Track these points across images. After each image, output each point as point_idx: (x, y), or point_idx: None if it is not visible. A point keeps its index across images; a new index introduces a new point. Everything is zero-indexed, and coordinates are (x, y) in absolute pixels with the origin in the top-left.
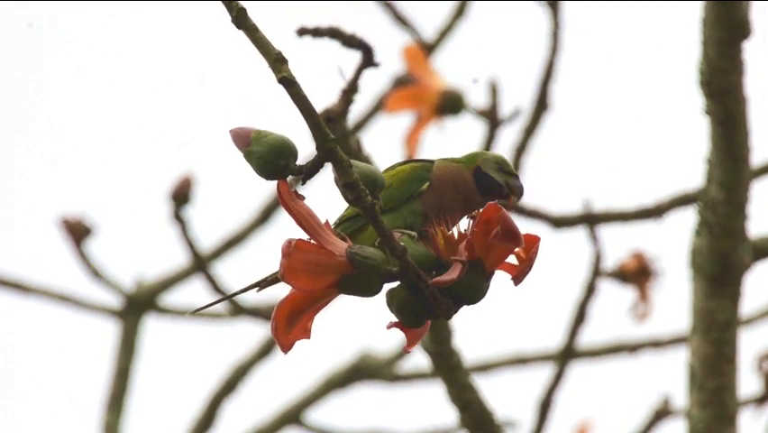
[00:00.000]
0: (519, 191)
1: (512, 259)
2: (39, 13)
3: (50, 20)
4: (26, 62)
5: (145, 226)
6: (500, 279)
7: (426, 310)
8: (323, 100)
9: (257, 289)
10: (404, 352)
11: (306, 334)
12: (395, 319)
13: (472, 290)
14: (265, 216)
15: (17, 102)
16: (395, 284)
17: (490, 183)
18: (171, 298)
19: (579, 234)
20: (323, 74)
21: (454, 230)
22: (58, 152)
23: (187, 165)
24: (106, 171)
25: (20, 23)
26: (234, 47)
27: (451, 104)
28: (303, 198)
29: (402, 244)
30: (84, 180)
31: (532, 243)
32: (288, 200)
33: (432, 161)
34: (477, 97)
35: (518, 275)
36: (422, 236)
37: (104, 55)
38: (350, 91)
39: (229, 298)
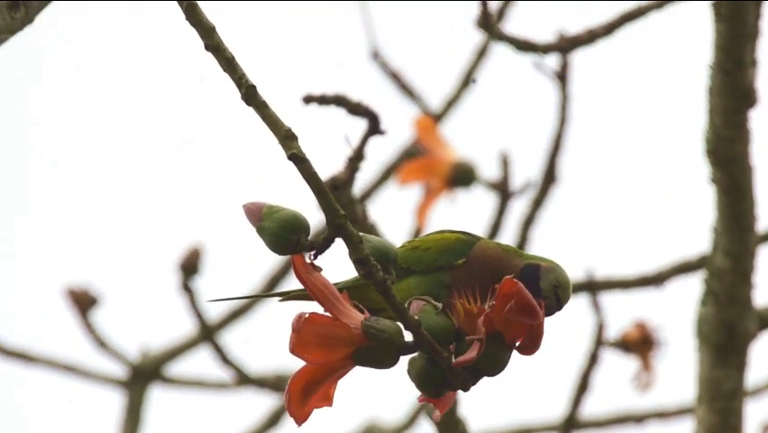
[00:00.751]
0: (551, 311)
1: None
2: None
3: (49, 20)
4: (25, 63)
5: (150, 296)
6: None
7: (444, 381)
8: (329, 168)
9: (280, 299)
10: (434, 420)
11: (328, 401)
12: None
13: (491, 363)
14: (272, 285)
15: (17, 111)
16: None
17: (534, 286)
18: (177, 368)
19: (581, 302)
20: (329, 142)
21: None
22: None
23: (196, 234)
24: (112, 238)
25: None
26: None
27: (462, 176)
28: (320, 269)
29: (417, 316)
30: (89, 248)
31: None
32: (303, 273)
33: (478, 238)
34: (488, 170)
35: (525, 347)
36: (445, 307)
37: (103, 55)
38: (356, 159)
39: (254, 297)
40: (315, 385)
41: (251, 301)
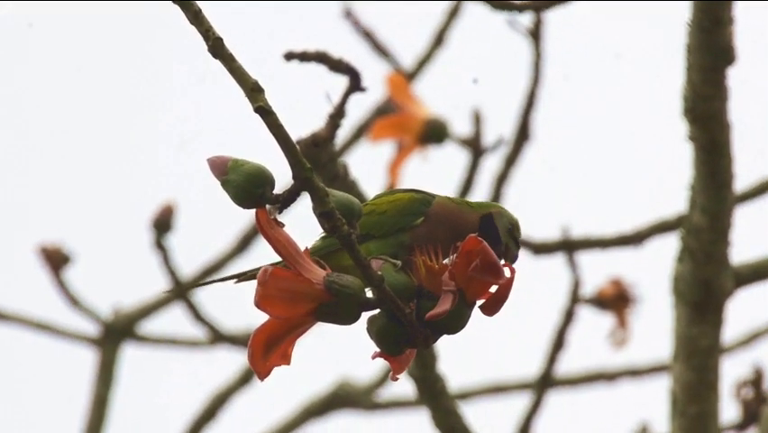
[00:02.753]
0: (512, 259)
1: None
2: (39, 14)
3: (50, 20)
4: (26, 62)
5: (123, 254)
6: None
7: (405, 339)
8: (309, 125)
9: (236, 280)
10: (391, 380)
11: (286, 360)
12: (377, 348)
13: (453, 320)
14: (244, 243)
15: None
16: (376, 311)
17: (494, 236)
18: (150, 326)
19: (558, 260)
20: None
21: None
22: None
23: (169, 192)
24: (85, 196)
25: (20, 23)
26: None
27: (434, 133)
28: (282, 225)
29: (379, 273)
30: (62, 206)
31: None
32: (266, 228)
33: (433, 196)
34: (460, 126)
35: (490, 307)
36: (405, 265)
37: (103, 56)
38: (337, 116)
39: (210, 283)
40: (277, 341)
41: (224, 258)
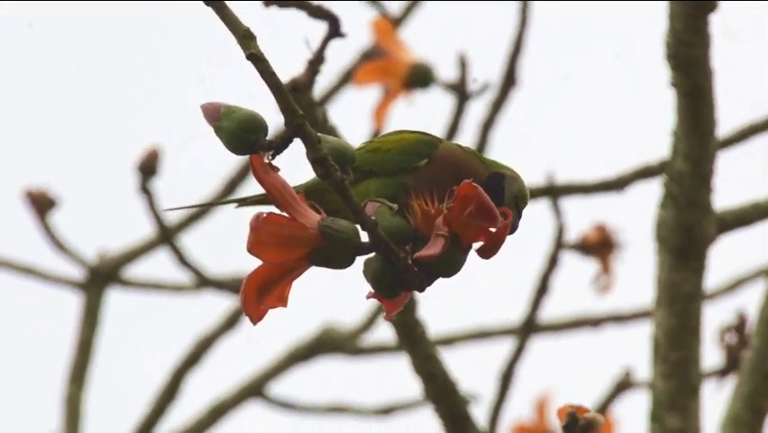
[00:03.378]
0: (513, 227)
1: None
2: (39, 14)
3: (50, 20)
4: (26, 62)
5: (108, 198)
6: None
7: (400, 281)
8: (289, 71)
9: (236, 205)
10: (384, 320)
11: (282, 302)
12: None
13: (448, 264)
14: (230, 188)
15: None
16: (372, 255)
17: (499, 196)
18: (135, 270)
19: (542, 206)
20: (289, 45)
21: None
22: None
23: (154, 137)
24: (70, 140)
25: (20, 23)
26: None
27: (420, 77)
28: (277, 169)
29: (373, 217)
30: (47, 150)
31: (505, 220)
32: (261, 172)
33: (440, 140)
34: (446, 71)
35: (485, 251)
36: (402, 208)
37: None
38: (316, 62)
39: (211, 204)
40: (271, 285)
41: (211, 203)
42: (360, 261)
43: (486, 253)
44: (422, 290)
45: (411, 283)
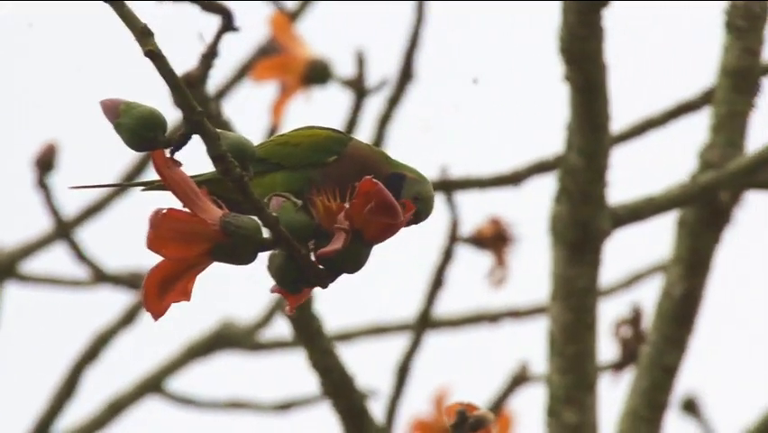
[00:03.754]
0: (412, 222)
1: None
2: (39, 14)
3: (50, 20)
4: (26, 62)
5: (4, 192)
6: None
7: (303, 278)
8: (183, 65)
9: (142, 188)
10: (287, 313)
11: (186, 296)
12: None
13: (351, 260)
14: (127, 181)
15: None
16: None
17: (396, 195)
18: (32, 265)
19: (436, 200)
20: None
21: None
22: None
23: (51, 131)
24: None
25: (20, 22)
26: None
27: (317, 73)
28: (180, 164)
29: (275, 213)
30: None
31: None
32: (163, 168)
33: (350, 138)
34: (344, 67)
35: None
36: (306, 204)
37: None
38: (209, 56)
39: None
40: (172, 281)
41: (107, 198)
42: (262, 256)
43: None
44: (325, 286)
45: (314, 279)
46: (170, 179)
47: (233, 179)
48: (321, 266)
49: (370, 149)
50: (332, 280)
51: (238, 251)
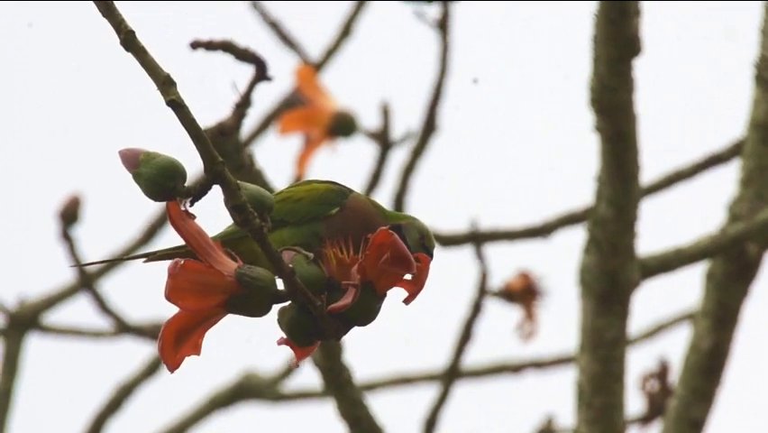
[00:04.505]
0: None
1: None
2: (39, 14)
3: (50, 20)
4: (26, 62)
5: (28, 244)
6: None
7: (316, 330)
8: (215, 114)
9: (144, 260)
10: (293, 367)
11: (196, 350)
12: (284, 336)
13: (363, 313)
14: (150, 234)
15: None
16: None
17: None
18: (55, 316)
19: (466, 253)
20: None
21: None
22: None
23: (76, 183)
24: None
25: (20, 22)
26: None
27: (343, 126)
28: (194, 217)
29: (291, 266)
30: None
31: (423, 264)
32: (177, 220)
33: (350, 190)
34: (368, 119)
35: (409, 296)
36: (317, 257)
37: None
38: (243, 105)
39: (117, 260)
40: (188, 332)
41: (131, 249)
42: (275, 309)
43: (409, 298)
44: (338, 338)
45: (327, 332)
46: (185, 231)
47: (252, 230)
48: (333, 318)
49: (368, 200)
50: (344, 333)
51: (253, 302)
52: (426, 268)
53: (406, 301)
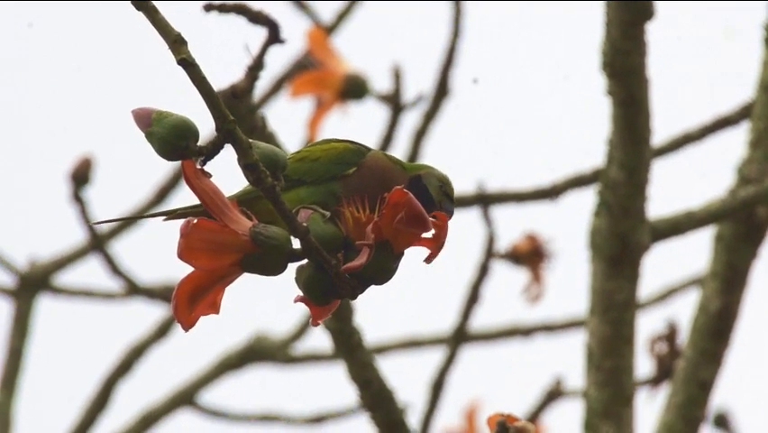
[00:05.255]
0: (449, 215)
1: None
2: (39, 14)
3: (50, 20)
4: (26, 62)
5: (39, 205)
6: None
7: (332, 289)
8: (229, 76)
9: (164, 218)
10: (311, 325)
11: (215, 309)
12: (301, 294)
13: (379, 272)
14: (161, 195)
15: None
16: (303, 261)
17: (425, 196)
18: (66, 277)
19: (473, 214)
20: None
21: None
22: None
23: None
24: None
25: (20, 22)
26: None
27: (354, 89)
28: (209, 175)
29: (305, 224)
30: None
31: (441, 222)
32: (192, 178)
33: (368, 149)
34: (380, 82)
35: (429, 255)
36: (334, 215)
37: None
38: (256, 68)
39: (137, 218)
40: (203, 292)
41: (142, 210)
42: (292, 268)
43: (429, 257)
44: (354, 297)
45: (343, 291)
46: (200, 190)
47: (264, 189)
48: (350, 277)
49: (387, 157)
50: (361, 292)
51: (268, 261)
52: (445, 226)
53: (427, 260)
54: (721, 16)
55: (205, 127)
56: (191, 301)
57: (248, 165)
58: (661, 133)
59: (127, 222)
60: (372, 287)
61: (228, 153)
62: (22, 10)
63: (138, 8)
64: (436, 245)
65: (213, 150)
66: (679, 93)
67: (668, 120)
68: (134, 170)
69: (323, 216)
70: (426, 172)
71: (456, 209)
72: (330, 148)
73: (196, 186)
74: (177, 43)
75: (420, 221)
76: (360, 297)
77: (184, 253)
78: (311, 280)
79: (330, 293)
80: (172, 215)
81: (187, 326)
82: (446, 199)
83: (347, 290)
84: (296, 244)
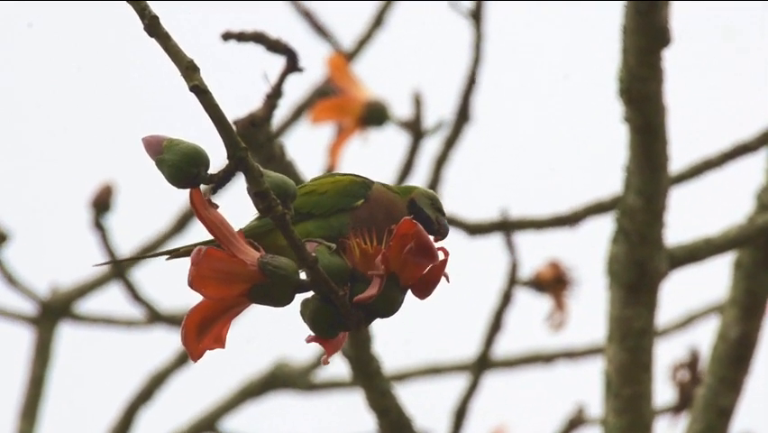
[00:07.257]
0: (445, 230)
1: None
2: (39, 14)
3: (50, 20)
4: (26, 62)
5: (61, 233)
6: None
7: (338, 321)
8: (247, 105)
9: (167, 257)
10: (323, 363)
11: (220, 343)
12: (310, 331)
13: (386, 304)
14: (181, 224)
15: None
16: (309, 294)
17: (423, 217)
18: (87, 305)
19: (496, 242)
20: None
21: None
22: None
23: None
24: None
25: (20, 22)
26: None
27: (375, 115)
28: (216, 206)
29: (314, 255)
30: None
31: (445, 255)
32: (200, 208)
33: (372, 181)
34: (401, 109)
35: (422, 290)
36: (339, 248)
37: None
38: (274, 96)
39: (142, 258)
40: (211, 321)
41: (162, 238)
42: (298, 299)
43: (422, 292)
44: (360, 329)
45: (349, 323)
46: (208, 220)
47: (274, 217)
48: (356, 309)
49: (385, 189)
50: (367, 324)
51: (275, 291)
52: (443, 263)
53: (419, 295)
54: (721, 16)
55: (217, 155)
56: (199, 332)
57: (258, 193)
58: (680, 159)
59: (136, 260)
60: (378, 319)
61: (239, 185)
62: (23, 10)
63: (150, 35)
64: (431, 281)
65: (224, 177)
66: (697, 119)
67: (687, 146)
68: (156, 196)
69: (329, 248)
70: (417, 193)
71: (477, 237)
72: (336, 181)
73: (203, 215)
74: (189, 70)
75: (428, 252)
76: (364, 329)
77: (194, 282)
78: (317, 312)
79: (336, 325)
80: (175, 254)
81: (196, 355)
82: (440, 215)
83: (353, 321)
84: (302, 276)
